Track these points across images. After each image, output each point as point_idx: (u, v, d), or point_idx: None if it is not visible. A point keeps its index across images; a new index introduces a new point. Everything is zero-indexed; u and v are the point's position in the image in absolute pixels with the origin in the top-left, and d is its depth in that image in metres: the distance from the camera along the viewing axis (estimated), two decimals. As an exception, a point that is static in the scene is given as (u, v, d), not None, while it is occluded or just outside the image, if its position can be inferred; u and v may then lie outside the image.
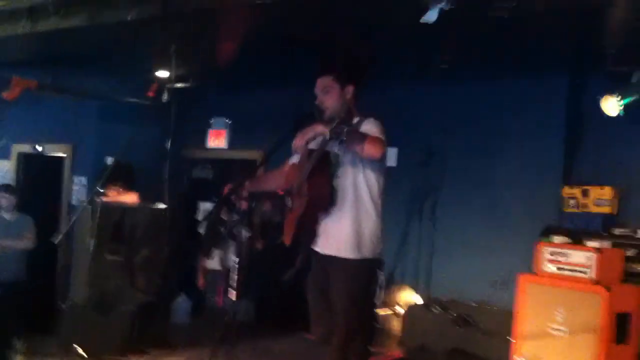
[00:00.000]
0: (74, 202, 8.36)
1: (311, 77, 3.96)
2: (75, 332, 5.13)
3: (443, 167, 7.32)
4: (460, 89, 7.26)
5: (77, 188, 8.45)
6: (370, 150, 3.48)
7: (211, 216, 6.96)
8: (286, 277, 6.86)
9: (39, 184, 8.71)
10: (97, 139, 8.35)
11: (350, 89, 3.86)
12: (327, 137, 3.56)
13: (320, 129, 3.61)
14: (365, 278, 3.76)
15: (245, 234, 7.07)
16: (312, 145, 3.91)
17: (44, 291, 8.05)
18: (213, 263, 7.27)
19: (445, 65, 6.48)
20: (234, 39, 6.28)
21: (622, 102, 6.05)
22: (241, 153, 8.73)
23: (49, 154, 8.76)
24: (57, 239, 5.68)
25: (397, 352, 6.25)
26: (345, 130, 3.48)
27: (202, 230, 7.31)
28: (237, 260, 4.10)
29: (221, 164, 9.13)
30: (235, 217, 6.29)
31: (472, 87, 7.17)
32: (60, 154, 8.61)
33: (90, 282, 5.33)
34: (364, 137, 3.51)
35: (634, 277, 5.69)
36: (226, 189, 4.03)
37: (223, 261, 4.13)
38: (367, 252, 3.69)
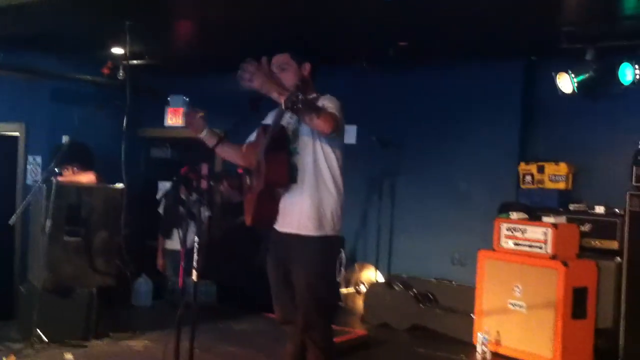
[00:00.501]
0: (28, 182, 8.21)
1: (271, 56, 3.91)
2: (35, 316, 5.04)
3: (402, 147, 7.36)
4: (418, 73, 7.31)
5: (31, 167, 8.30)
6: (320, 123, 3.41)
7: (170, 196, 6.90)
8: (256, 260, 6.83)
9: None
10: (50, 117, 8.20)
11: (307, 66, 3.82)
12: (282, 107, 3.48)
13: (275, 95, 3.50)
14: (327, 255, 3.75)
15: (205, 213, 7.02)
16: (268, 120, 3.87)
17: (1, 274, 7.92)
18: (173, 243, 7.21)
19: (405, 43, 6.51)
20: (191, 16, 6.19)
21: (576, 79, 6.15)
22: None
23: (1, 134, 8.56)
24: (12, 220, 5.58)
25: (360, 330, 6.29)
26: (300, 98, 3.40)
27: (161, 210, 7.24)
28: (197, 240, 4.05)
29: (180, 143, 9.03)
30: (195, 196, 6.24)
31: (431, 69, 7.22)
32: (14, 133, 8.43)
33: (48, 264, 5.21)
34: (318, 109, 3.47)
35: (590, 252, 5.81)
36: (185, 168, 3.97)
37: (183, 241, 4.09)
38: (328, 229, 3.67)
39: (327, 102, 3.61)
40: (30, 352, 4.91)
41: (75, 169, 5.95)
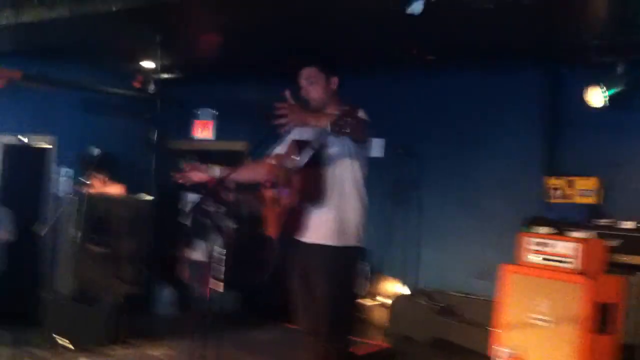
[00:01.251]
0: (59, 193, 8.32)
1: (298, 69, 3.94)
2: (60, 323, 5.11)
3: (427, 160, 7.36)
4: (444, 82, 7.31)
5: (62, 179, 8.41)
6: (361, 136, 3.51)
7: (196, 208, 6.95)
8: (263, 277, 6.87)
9: (23, 175, 8.66)
10: (82, 130, 8.30)
11: (335, 80, 3.85)
12: (328, 129, 3.47)
13: (313, 123, 3.53)
14: (349, 265, 3.76)
15: (231, 225, 7.06)
16: (296, 136, 3.89)
17: (28, 282, 8.02)
18: (197, 254, 7.26)
19: (432, 57, 6.52)
20: (219, 30, 6.27)
21: (607, 93, 6.09)
22: (227, 144, 8.71)
23: (33, 145, 8.70)
24: (43, 230, 5.67)
25: (383, 342, 6.26)
26: (348, 122, 3.39)
27: (187, 221, 7.29)
28: (223, 251, 4.09)
29: (207, 155, 9.09)
30: (221, 208, 6.30)
31: (456, 80, 7.22)
32: (45, 145, 8.56)
33: (75, 273, 5.29)
34: (364, 122, 3.52)
35: (618, 268, 5.72)
36: (212, 181, 4.02)
37: (209, 253, 4.13)
38: (351, 240, 3.70)
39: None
40: (54, 359, 4.97)
41: (105, 178, 6.03)
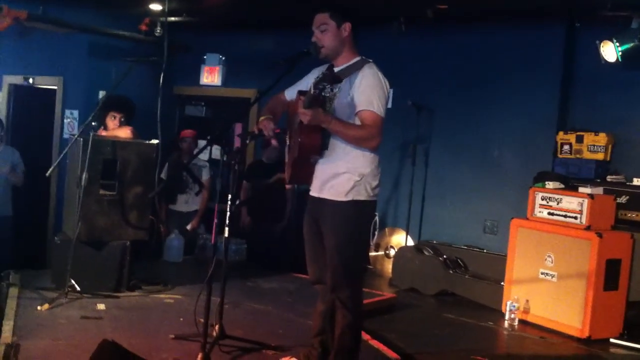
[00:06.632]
0: (65, 135, 8.31)
1: (309, 16, 3.87)
2: (69, 266, 5.12)
3: (437, 112, 7.31)
4: (456, 37, 7.21)
5: (68, 121, 8.39)
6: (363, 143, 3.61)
7: (172, 160, 7.05)
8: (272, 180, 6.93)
9: (30, 116, 8.65)
10: (87, 72, 8.26)
11: (347, 27, 3.76)
12: (311, 91, 3.54)
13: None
14: (357, 220, 3.74)
15: (206, 176, 7.16)
16: (310, 80, 3.86)
17: (36, 225, 8.07)
18: (177, 205, 7.33)
19: (444, 6, 6.41)
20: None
21: (621, 47, 6.02)
22: (235, 91, 8.65)
23: (40, 86, 8.65)
24: (48, 171, 5.67)
25: (388, 293, 6.30)
26: (326, 86, 3.48)
27: (163, 175, 7.25)
28: (230, 198, 4.08)
29: (215, 102, 9.04)
30: (201, 160, 6.37)
31: (468, 34, 7.13)
32: (52, 87, 8.51)
33: (83, 216, 5.28)
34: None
35: (626, 224, 5.72)
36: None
37: (219, 199, 4.11)
38: (360, 195, 3.68)
39: (365, 86, 3.60)
40: (63, 302, 5.00)
41: (121, 118, 5.99)
